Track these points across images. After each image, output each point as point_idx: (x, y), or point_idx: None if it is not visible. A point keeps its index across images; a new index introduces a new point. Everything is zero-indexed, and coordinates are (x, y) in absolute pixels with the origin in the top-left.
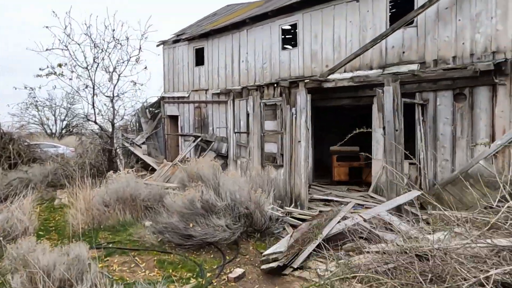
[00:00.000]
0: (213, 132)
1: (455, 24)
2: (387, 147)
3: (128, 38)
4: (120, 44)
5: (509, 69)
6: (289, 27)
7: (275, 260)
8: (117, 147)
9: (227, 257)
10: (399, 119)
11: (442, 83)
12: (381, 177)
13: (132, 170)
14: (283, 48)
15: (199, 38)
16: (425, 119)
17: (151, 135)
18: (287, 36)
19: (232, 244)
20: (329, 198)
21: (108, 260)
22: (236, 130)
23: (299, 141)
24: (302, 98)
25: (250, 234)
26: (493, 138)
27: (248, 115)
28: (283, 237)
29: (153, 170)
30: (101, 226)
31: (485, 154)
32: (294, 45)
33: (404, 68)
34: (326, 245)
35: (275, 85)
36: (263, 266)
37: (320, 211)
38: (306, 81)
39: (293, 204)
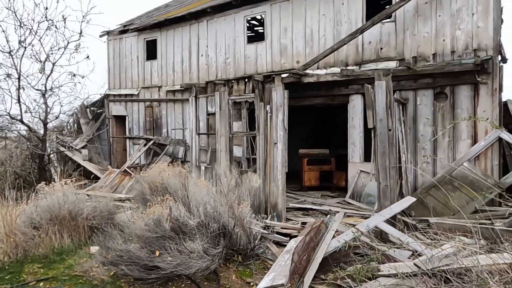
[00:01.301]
0: (167, 134)
1: (435, 20)
2: (379, 149)
3: (65, 19)
4: (55, 26)
5: (491, 68)
6: (256, 19)
7: None
8: (51, 152)
9: None
10: (393, 117)
11: (423, 81)
12: (358, 182)
13: (71, 180)
14: (249, 42)
15: (151, 28)
16: (405, 120)
17: (93, 138)
18: (255, 28)
19: (209, 273)
20: (306, 206)
21: None
22: (199, 131)
23: (275, 143)
24: (279, 95)
25: (229, 258)
26: (475, 139)
27: (208, 114)
28: (269, 259)
29: (96, 178)
30: (29, 257)
31: (469, 156)
32: (262, 38)
33: (382, 65)
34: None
35: (246, 79)
36: None
37: (303, 223)
38: (283, 75)
39: (269, 216)
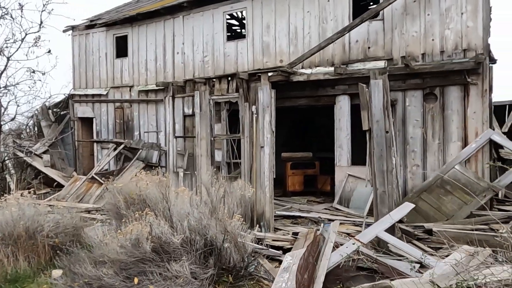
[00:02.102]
0: (139, 138)
1: (424, 19)
2: (376, 153)
3: (22, 7)
4: (11, 15)
5: (481, 68)
6: (234, 17)
7: None
8: (6, 158)
9: None
10: (390, 118)
11: (412, 81)
12: (345, 187)
13: (29, 190)
14: (229, 39)
15: (121, 23)
16: (395, 121)
17: (56, 142)
18: (233, 28)
19: None
20: (294, 214)
21: None
22: (177, 134)
23: (262, 147)
24: (265, 94)
25: (218, 279)
26: (465, 141)
27: (185, 116)
28: (264, 278)
29: (59, 186)
30: None
31: (460, 158)
32: (242, 36)
33: (369, 65)
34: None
35: (229, 78)
36: None
37: (294, 233)
38: (270, 73)
39: (256, 227)
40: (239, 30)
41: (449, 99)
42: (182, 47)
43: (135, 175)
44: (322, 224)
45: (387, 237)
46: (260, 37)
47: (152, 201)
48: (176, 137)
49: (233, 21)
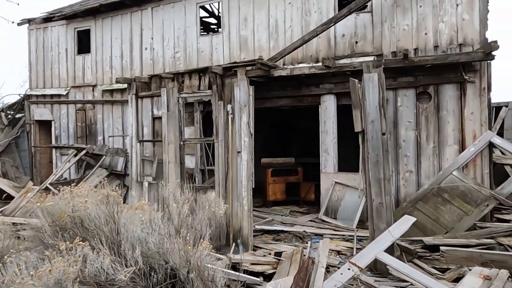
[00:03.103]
0: (103, 143)
1: (415, 11)
2: (372, 158)
3: None
4: None
5: (478, 64)
6: (207, 11)
7: None
8: None
9: None
10: (386, 118)
11: (403, 79)
12: (332, 196)
13: None
14: (203, 33)
15: (83, 16)
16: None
17: (8, 147)
18: (204, 20)
19: None
20: (276, 228)
21: None
22: (141, 138)
23: (239, 152)
24: (243, 91)
25: None
26: (462, 144)
27: (154, 118)
28: None
29: (10, 198)
30: None
31: (458, 163)
32: (217, 30)
33: (357, 61)
34: None
35: (201, 73)
36: None
37: (277, 254)
38: (248, 68)
39: (232, 246)
40: (214, 24)
41: (444, 99)
42: (151, 42)
43: (97, 185)
44: (309, 242)
45: (390, 260)
46: (237, 31)
47: (94, 224)
48: (140, 141)
49: (208, 14)
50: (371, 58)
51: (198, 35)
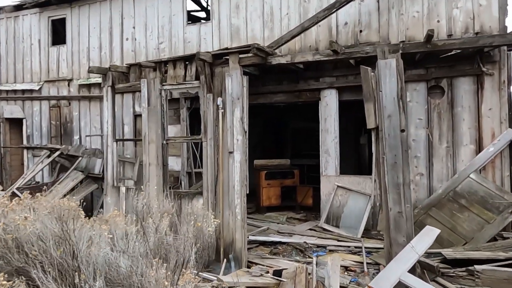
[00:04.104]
0: (80, 143)
1: None
2: (389, 160)
3: None
4: None
5: (498, 55)
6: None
7: None
8: None
9: None
10: (405, 113)
11: (413, 72)
12: (334, 201)
13: None
14: (190, 22)
15: (57, 4)
16: None
17: None
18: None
19: None
20: (272, 239)
21: None
22: (121, 136)
23: (231, 153)
24: (235, 82)
25: None
26: (479, 144)
27: (136, 116)
28: None
29: None
30: None
31: (475, 165)
32: (206, 18)
33: (362, 52)
34: None
35: (187, 61)
36: None
37: (276, 273)
38: (242, 56)
39: (223, 262)
40: (203, 18)
41: (459, 93)
42: (132, 32)
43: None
44: (313, 257)
45: (418, 284)
46: (228, 19)
47: (39, 248)
48: (117, 141)
49: (198, 6)
50: None
51: (184, 24)
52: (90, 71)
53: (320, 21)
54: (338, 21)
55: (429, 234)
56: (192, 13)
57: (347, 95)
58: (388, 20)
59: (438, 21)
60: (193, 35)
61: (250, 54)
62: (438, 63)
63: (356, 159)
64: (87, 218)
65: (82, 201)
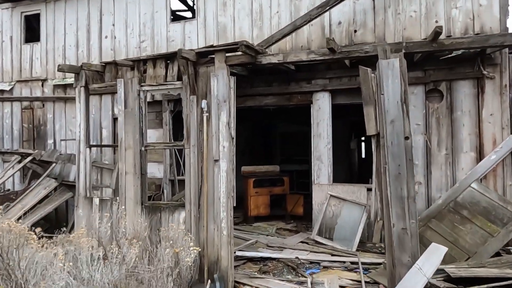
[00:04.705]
0: (54, 148)
1: None
2: (392, 170)
3: None
4: None
5: (499, 57)
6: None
7: None
8: None
9: None
10: (409, 118)
11: (410, 74)
12: (327, 212)
13: None
14: (174, 19)
15: None
16: None
17: None
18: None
19: None
20: (262, 255)
21: None
22: (99, 141)
23: (217, 161)
24: (221, 83)
25: None
26: (480, 151)
27: (115, 119)
28: None
29: None
30: None
31: (477, 174)
32: (192, 16)
33: (361, 51)
34: None
35: (168, 60)
36: None
37: None
38: (229, 54)
39: (207, 286)
40: (187, 18)
41: (458, 97)
42: (112, 30)
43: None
44: (307, 275)
45: None
46: (215, 17)
47: None
48: (90, 146)
49: (183, 5)
50: None
51: (168, 22)
52: (60, 69)
53: (313, 19)
54: (332, 20)
55: (436, 253)
56: (178, 12)
57: (341, 98)
58: (384, 20)
59: (436, 21)
60: (177, 34)
61: (238, 53)
62: (437, 65)
63: (347, 165)
64: (49, 238)
65: (55, 209)
